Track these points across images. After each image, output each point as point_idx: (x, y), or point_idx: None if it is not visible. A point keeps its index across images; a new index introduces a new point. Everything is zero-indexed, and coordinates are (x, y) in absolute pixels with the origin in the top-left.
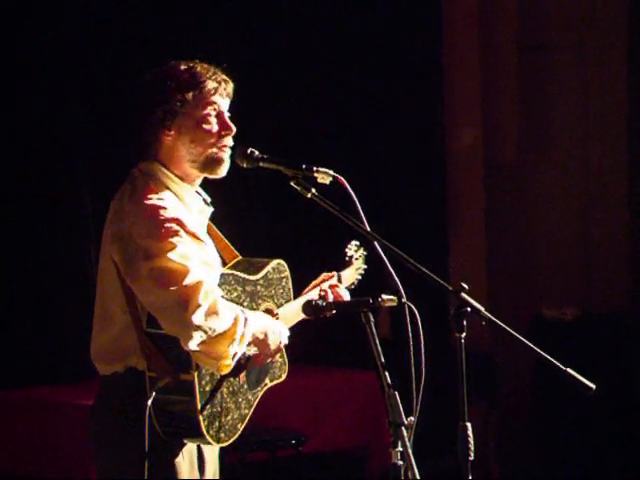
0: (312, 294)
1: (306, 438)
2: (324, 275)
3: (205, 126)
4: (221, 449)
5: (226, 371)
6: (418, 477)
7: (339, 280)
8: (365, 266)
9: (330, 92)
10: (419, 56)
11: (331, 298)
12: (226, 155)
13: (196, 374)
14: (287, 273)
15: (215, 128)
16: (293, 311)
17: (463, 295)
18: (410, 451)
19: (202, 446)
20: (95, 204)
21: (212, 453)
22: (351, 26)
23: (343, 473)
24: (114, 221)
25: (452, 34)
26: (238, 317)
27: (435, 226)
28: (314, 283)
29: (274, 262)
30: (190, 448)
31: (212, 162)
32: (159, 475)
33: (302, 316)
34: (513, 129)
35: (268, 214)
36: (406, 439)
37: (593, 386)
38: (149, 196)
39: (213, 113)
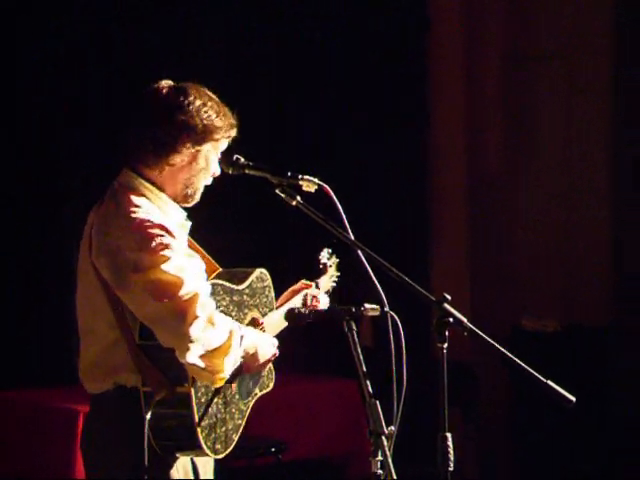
0: (294, 301)
1: (286, 446)
2: (302, 283)
3: (212, 167)
4: (215, 464)
5: (220, 384)
6: None
7: (317, 286)
8: (338, 273)
9: (314, 101)
10: (405, 64)
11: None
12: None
13: (192, 386)
14: (269, 282)
15: (216, 169)
16: (278, 320)
17: (445, 305)
18: (390, 460)
19: (196, 461)
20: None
21: (205, 467)
22: (337, 33)
23: None
24: (99, 235)
25: (438, 44)
26: (233, 330)
27: (418, 236)
28: (292, 289)
29: (257, 271)
30: (184, 463)
31: (193, 195)
32: None
33: (286, 324)
34: (497, 139)
35: (240, 224)
36: (386, 448)
37: (573, 398)
38: (134, 209)
39: (219, 155)
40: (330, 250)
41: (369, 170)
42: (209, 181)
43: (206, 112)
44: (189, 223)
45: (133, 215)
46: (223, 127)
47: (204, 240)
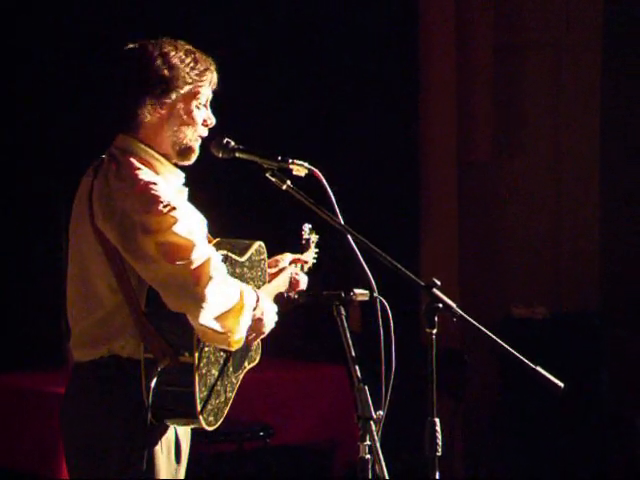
0: (283, 277)
1: (274, 431)
2: (281, 256)
3: (196, 114)
4: (192, 435)
5: (236, 347)
6: (385, 471)
7: (301, 266)
8: (317, 250)
9: (305, 87)
10: (395, 55)
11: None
12: (198, 144)
13: (197, 355)
14: (265, 255)
15: (202, 117)
16: (270, 293)
17: (435, 291)
18: (378, 445)
19: (178, 434)
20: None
21: (186, 439)
22: (328, 25)
23: (311, 466)
24: (100, 199)
25: (428, 34)
26: (243, 291)
27: (408, 223)
28: (277, 259)
29: (256, 244)
30: (168, 437)
31: (188, 149)
32: (135, 463)
33: (278, 291)
34: (487, 128)
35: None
36: (374, 433)
37: (562, 385)
38: (137, 172)
39: (203, 102)
40: (310, 226)
41: (360, 156)
42: (204, 132)
43: (165, 62)
44: (186, 189)
45: (137, 177)
46: (189, 74)
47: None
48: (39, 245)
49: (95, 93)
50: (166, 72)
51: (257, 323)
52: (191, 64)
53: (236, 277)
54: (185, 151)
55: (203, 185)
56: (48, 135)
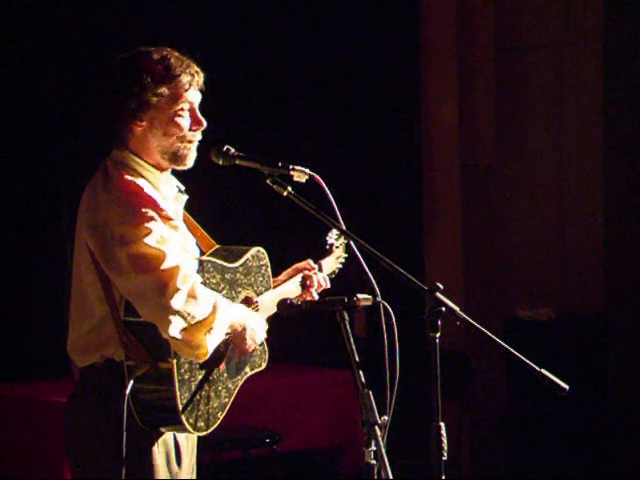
0: (294, 281)
1: (280, 437)
2: (307, 262)
3: (178, 120)
4: (198, 443)
5: (204, 359)
6: (391, 476)
7: (320, 268)
8: (346, 255)
9: (306, 92)
10: (396, 56)
11: (315, 286)
12: (193, 148)
13: (175, 362)
14: (266, 261)
15: (187, 123)
16: (274, 299)
17: (438, 295)
18: (383, 450)
19: (178, 438)
20: (72, 201)
21: (189, 445)
22: (329, 28)
23: (317, 472)
24: (88, 210)
25: (430, 35)
26: (217, 304)
27: (411, 226)
28: (296, 267)
29: (253, 250)
30: (166, 440)
31: (180, 155)
32: (134, 466)
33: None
34: (489, 130)
35: (243, 202)
36: (379, 438)
37: (567, 387)
38: (123, 183)
39: (186, 107)
40: (337, 231)
41: (362, 160)
42: (194, 137)
43: (136, 75)
44: (185, 197)
45: (122, 189)
46: (182, 65)
47: (204, 219)
48: (43, 255)
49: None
50: (135, 88)
51: (237, 336)
52: (161, 73)
53: (226, 283)
54: (176, 157)
55: (206, 192)
56: (50, 144)
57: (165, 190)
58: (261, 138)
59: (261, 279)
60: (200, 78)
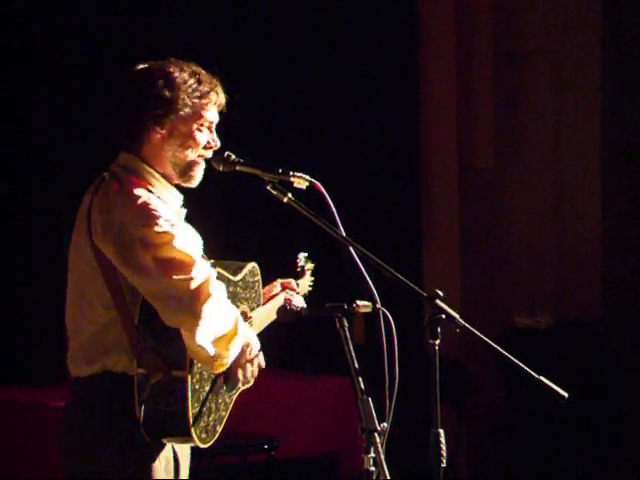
0: (279, 300)
1: (278, 443)
2: (285, 281)
3: (197, 135)
4: (191, 455)
5: (220, 370)
6: None
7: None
8: (313, 278)
9: (305, 98)
10: (395, 60)
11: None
12: (202, 167)
13: (189, 370)
14: (259, 277)
15: (204, 139)
16: (263, 316)
17: (437, 302)
18: (382, 457)
19: (176, 450)
20: (72, 202)
21: (184, 457)
22: (328, 31)
23: (315, 478)
24: (101, 214)
25: (428, 40)
26: (238, 317)
27: (410, 233)
28: (281, 282)
29: (250, 265)
30: (167, 455)
31: (190, 171)
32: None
33: (270, 320)
34: (488, 135)
35: (226, 218)
36: (378, 445)
37: (566, 394)
38: (136, 187)
39: (206, 124)
40: (306, 254)
41: (360, 166)
42: (206, 154)
43: (167, 82)
44: (184, 210)
45: (136, 193)
46: (189, 96)
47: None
48: (41, 258)
49: (102, 107)
50: (167, 93)
51: (242, 352)
52: (194, 85)
53: (230, 295)
54: (186, 172)
55: (202, 202)
56: (50, 151)
57: (170, 201)
58: (260, 143)
59: (254, 295)
60: (223, 99)
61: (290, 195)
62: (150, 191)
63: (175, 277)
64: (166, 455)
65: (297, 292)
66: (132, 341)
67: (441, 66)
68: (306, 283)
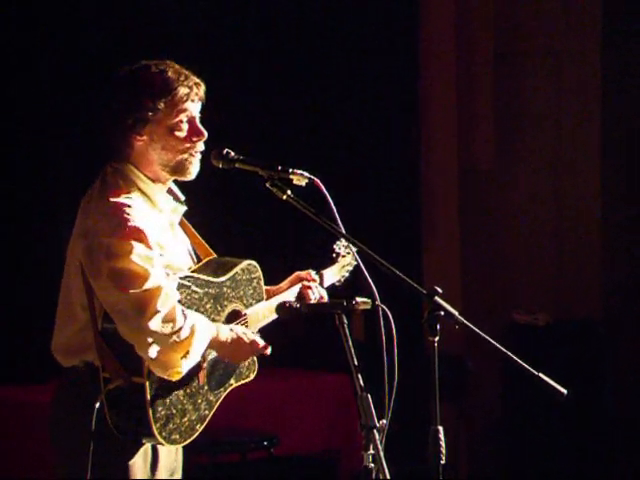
0: (288, 294)
1: (278, 440)
2: (302, 273)
3: (177, 133)
4: (185, 450)
5: (176, 378)
6: None
7: (321, 279)
8: (354, 262)
9: (305, 95)
10: (396, 62)
11: (312, 299)
12: (196, 160)
13: (148, 377)
14: (259, 274)
15: (186, 134)
16: (263, 311)
17: (437, 299)
18: (382, 454)
19: (157, 445)
20: (72, 202)
21: (168, 453)
22: (328, 31)
23: (315, 476)
24: (80, 218)
25: (429, 40)
26: (194, 328)
27: (410, 230)
28: (297, 275)
29: (244, 263)
30: (146, 447)
31: (182, 167)
32: (112, 472)
33: (273, 316)
34: (488, 134)
35: (245, 212)
36: (378, 442)
37: (565, 391)
38: (116, 195)
39: (185, 119)
40: (345, 243)
41: (361, 164)
42: (197, 147)
43: (133, 90)
44: (183, 207)
45: (113, 199)
46: (180, 77)
47: (206, 228)
48: (41, 257)
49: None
50: (132, 102)
51: (225, 354)
52: (160, 87)
53: (210, 297)
54: (179, 169)
55: (204, 198)
56: (50, 154)
57: (160, 202)
58: (260, 141)
59: (251, 292)
60: (200, 90)
61: (289, 192)
62: (139, 190)
63: (125, 291)
64: (145, 448)
65: (316, 282)
66: (96, 345)
67: (441, 66)
68: (339, 270)
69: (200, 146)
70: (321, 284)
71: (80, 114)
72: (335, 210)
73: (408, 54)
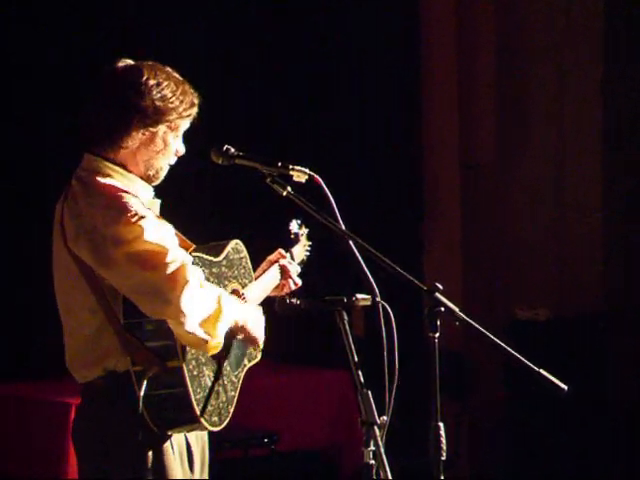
0: (272, 272)
1: (279, 437)
2: (278, 252)
3: (172, 145)
4: (211, 443)
5: (214, 351)
6: (390, 476)
7: (291, 257)
8: (310, 242)
9: (305, 92)
10: (397, 58)
11: (292, 273)
12: (165, 172)
13: (183, 358)
14: (245, 253)
15: (175, 149)
16: (258, 291)
17: (437, 295)
18: (382, 450)
19: (190, 440)
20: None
21: (199, 445)
22: (329, 28)
23: (316, 472)
24: (72, 219)
25: (431, 36)
26: (221, 295)
27: (410, 226)
28: (269, 259)
29: (232, 242)
30: (180, 443)
31: (156, 176)
32: (151, 473)
33: (266, 294)
34: (490, 131)
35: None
36: (378, 438)
37: (565, 387)
38: (102, 186)
39: (180, 133)
40: (299, 221)
41: (362, 160)
42: (173, 161)
43: (159, 92)
44: (158, 201)
45: (104, 191)
46: (179, 107)
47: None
48: (41, 256)
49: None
50: (159, 103)
51: (240, 329)
52: (181, 97)
53: (214, 277)
54: (153, 176)
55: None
56: (50, 150)
57: (140, 194)
58: (258, 139)
59: (243, 271)
60: (196, 108)
61: (289, 188)
62: (117, 185)
63: (149, 269)
64: (179, 446)
65: (289, 260)
66: (122, 341)
67: (443, 63)
68: (302, 250)
69: (174, 161)
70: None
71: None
72: (335, 207)
73: (409, 50)
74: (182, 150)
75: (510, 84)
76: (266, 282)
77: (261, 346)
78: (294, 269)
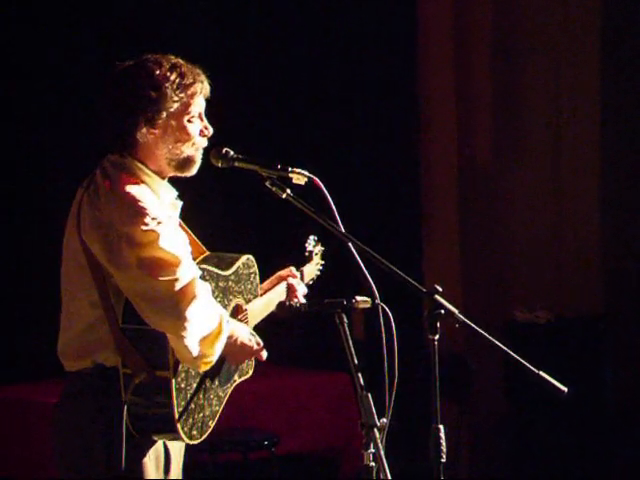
0: (278, 289)
1: (279, 439)
2: (289, 270)
3: (189, 128)
4: (187, 448)
5: (205, 369)
6: (390, 479)
7: (301, 276)
8: (323, 261)
9: (306, 93)
10: (393, 58)
11: (299, 294)
12: (200, 155)
13: (173, 370)
14: (255, 268)
15: (197, 129)
16: (261, 307)
17: (437, 297)
18: (382, 453)
19: (168, 445)
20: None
21: (177, 452)
22: (326, 29)
23: (315, 475)
24: (91, 210)
25: (427, 37)
26: (222, 316)
27: (409, 229)
28: (279, 275)
29: (244, 257)
30: (157, 448)
31: (189, 162)
32: (125, 474)
33: (269, 311)
34: (487, 132)
35: (229, 207)
36: (378, 441)
37: (565, 389)
38: (127, 184)
39: (196, 114)
40: (316, 237)
41: (360, 162)
42: (203, 143)
43: (151, 83)
44: (180, 203)
45: (126, 190)
46: (176, 92)
47: (194, 223)
48: (41, 255)
49: (92, 113)
50: (153, 93)
51: (234, 348)
52: (177, 80)
53: (220, 291)
54: (183, 164)
55: (201, 196)
56: (50, 150)
57: (164, 196)
58: (257, 141)
59: (250, 287)
60: (207, 86)
61: (289, 191)
62: (143, 183)
63: (159, 278)
64: (156, 449)
65: (298, 281)
66: (116, 340)
67: (440, 62)
68: (314, 268)
69: (205, 142)
70: (301, 281)
71: (79, 112)
72: (334, 209)
73: (406, 50)
74: (209, 130)
75: (507, 85)
76: (270, 299)
77: (253, 364)
78: (301, 290)
